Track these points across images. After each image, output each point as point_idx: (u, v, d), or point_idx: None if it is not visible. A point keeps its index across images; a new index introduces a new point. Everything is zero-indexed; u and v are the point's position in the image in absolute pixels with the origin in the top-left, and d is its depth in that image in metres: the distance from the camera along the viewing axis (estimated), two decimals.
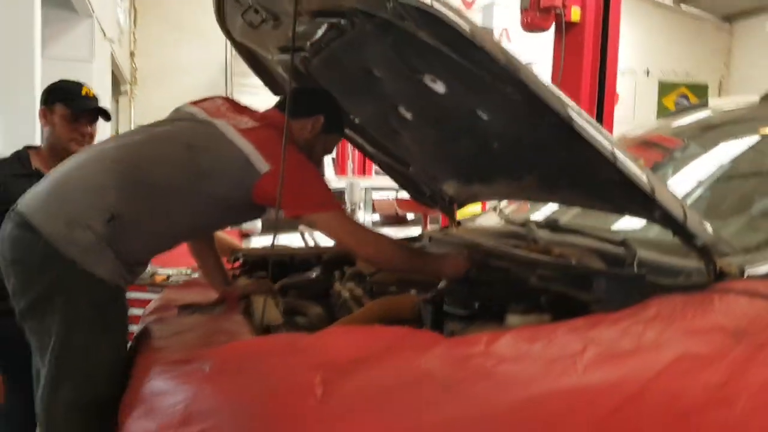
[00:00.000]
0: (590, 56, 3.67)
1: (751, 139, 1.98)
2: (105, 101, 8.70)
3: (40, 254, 1.38)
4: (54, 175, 1.53)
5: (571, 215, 2.02)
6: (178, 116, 1.70)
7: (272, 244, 1.70)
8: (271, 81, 2.38)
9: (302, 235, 2.99)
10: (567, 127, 1.23)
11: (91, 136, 2.23)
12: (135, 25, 12.05)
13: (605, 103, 3.64)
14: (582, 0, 3.70)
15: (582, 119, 1.24)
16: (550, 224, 1.90)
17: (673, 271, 1.37)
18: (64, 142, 2.15)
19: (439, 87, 1.56)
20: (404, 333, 1.25)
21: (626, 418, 1.08)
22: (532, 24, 3.75)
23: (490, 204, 2.91)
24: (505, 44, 1.41)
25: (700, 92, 16.42)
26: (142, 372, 1.37)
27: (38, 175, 2.19)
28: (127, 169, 1.47)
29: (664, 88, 16.09)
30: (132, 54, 12.00)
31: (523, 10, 3.79)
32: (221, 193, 1.55)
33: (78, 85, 2.21)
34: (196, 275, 3.16)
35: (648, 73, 15.83)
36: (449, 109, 1.70)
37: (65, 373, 1.40)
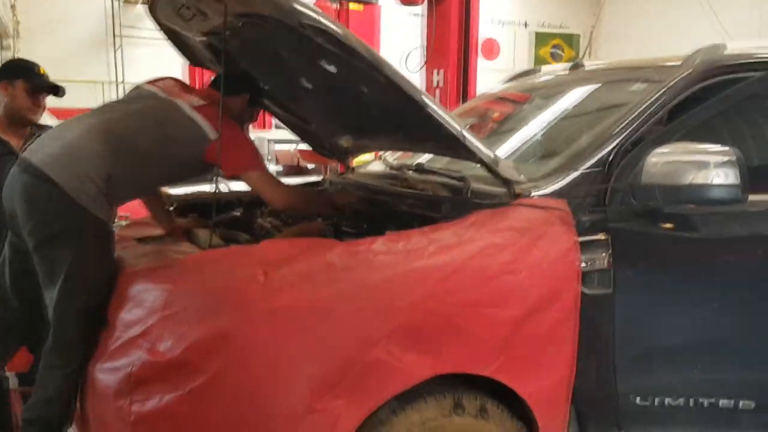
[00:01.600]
0: (456, 25, 4.36)
1: (557, 98, 2.73)
2: None
3: (58, 201, 1.87)
4: (60, 140, 1.98)
5: (432, 160, 2.69)
6: (143, 94, 2.19)
7: (215, 191, 2.26)
8: (188, 53, 2.85)
9: (217, 183, 3.51)
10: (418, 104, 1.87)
11: (44, 108, 2.66)
12: None
13: (469, 62, 4.38)
14: None
15: (427, 99, 1.88)
16: (418, 167, 2.57)
17: (490, 195, 2.05)
18: (23, 111, 2.57)
19: (332, 68, 2.15)
20: (315, 241, 1.88)
21: (453, 282, 1.78)
22: None
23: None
24: None
25: (572, 42, 17.74)
26: (128, 281, 1.91)
27: None
28: (117, 139, 1.97)
29: (540, 40, 17.27)
30: (13, 7, 11.49)
31: None
32: (184, 156, 2.09)
33: (35, 65, 2.62)
34: (125, 224, 3.62)
35: (526, 25, 16.92)
36: (339, 83, 2.29)
37: (77, 287, 1.90)
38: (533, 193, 1.98)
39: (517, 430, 1.91)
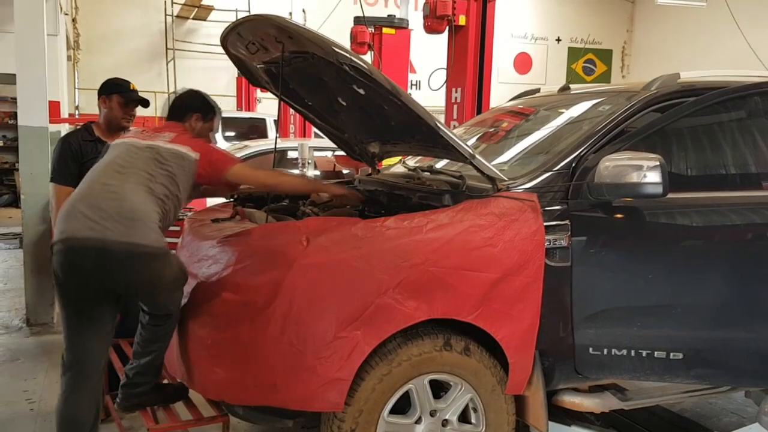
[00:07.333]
0: (473, 50, 5.02)
1: (546, 115, 3.34)
2: (62, 69, 9.42)
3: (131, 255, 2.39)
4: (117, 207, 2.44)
5: (440, 163, 3.34)
6: (127, 149, 2.61)
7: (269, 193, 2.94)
8: (250, 76, 3.55)
9: None
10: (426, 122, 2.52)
11: (134, 116, 3.38)
12: None
13: (483, 82, 5.02)
14: (466, 9, 5.03)
15: (439, 124, 2.53)
16: (428, 168, 3.21)
17: (480, 189, 2.68)
18: (118, 120, 3.30)
19: (361, 91, 2.81)
20: (344, 219, 2.54)
21: (444, 250, 2.41)
22: (431, 28, 5.07)
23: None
24: None
25: (605, 57, 18.16)
26: (208, 245, 2.60)
27: (99, 141, 3.32)
28: (144, 195, 2.48)
29: (573, 55, 17.75)
30: (74, 21, 12.56)
31: (425, 17, 5.10)
32: (182, 182, 2.59)
33: (127, 82, 3.34)
34: (189, 214, 4.36)
35: (559, 40, 17.43)
36: (367, 102, 2.95)
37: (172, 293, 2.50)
38: (512, 188, 2.61)
39: (493, 365, 2.54)
